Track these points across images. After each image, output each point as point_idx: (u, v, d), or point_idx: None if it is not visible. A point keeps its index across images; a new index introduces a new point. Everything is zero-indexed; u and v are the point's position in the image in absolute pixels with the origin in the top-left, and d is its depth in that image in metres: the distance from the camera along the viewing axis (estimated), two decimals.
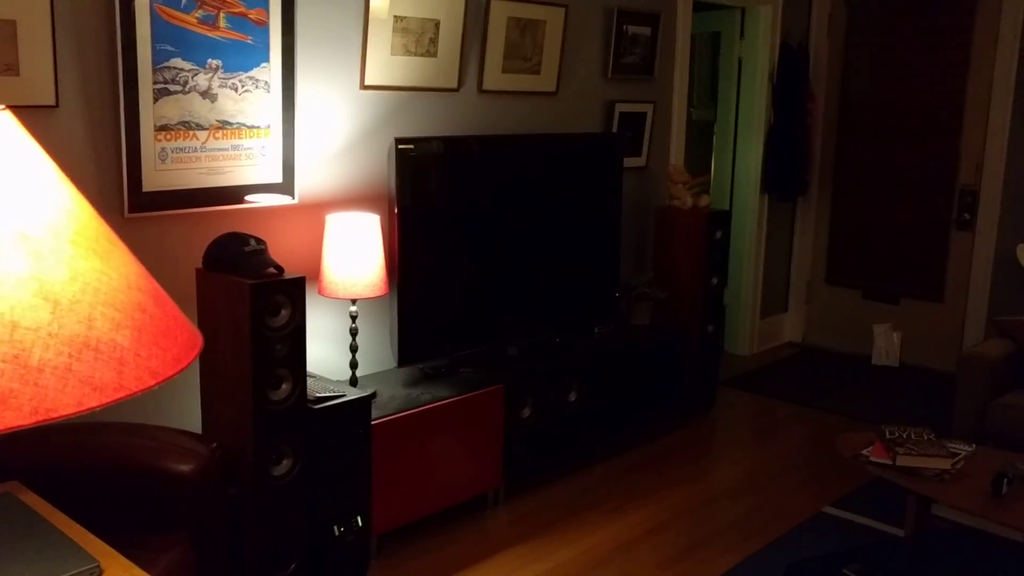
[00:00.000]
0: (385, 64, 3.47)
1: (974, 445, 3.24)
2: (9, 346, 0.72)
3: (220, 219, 3.05)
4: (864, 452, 3.14)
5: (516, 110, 4.06)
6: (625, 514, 3.59)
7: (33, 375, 0.72)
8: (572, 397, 3.87)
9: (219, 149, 3.02)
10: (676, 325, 4.55)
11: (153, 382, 0.80)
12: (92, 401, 0.75)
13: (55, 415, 0.72)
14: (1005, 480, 2.83)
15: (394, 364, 3.51)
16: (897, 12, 5.51)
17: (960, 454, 3.10)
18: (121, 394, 0.77)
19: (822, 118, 5.84)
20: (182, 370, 0.85)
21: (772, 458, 4.20)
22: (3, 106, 0.85)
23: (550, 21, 4.06)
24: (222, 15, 2.96)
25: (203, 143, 2.98)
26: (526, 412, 3.67)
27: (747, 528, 3.50)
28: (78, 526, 1.57)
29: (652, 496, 3.76)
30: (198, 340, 0.93)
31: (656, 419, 4.46)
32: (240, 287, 2.68)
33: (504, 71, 3.94)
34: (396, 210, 3.34)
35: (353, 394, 3.01)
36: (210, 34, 2.94)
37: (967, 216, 5.31)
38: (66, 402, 0.73)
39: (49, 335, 0.74)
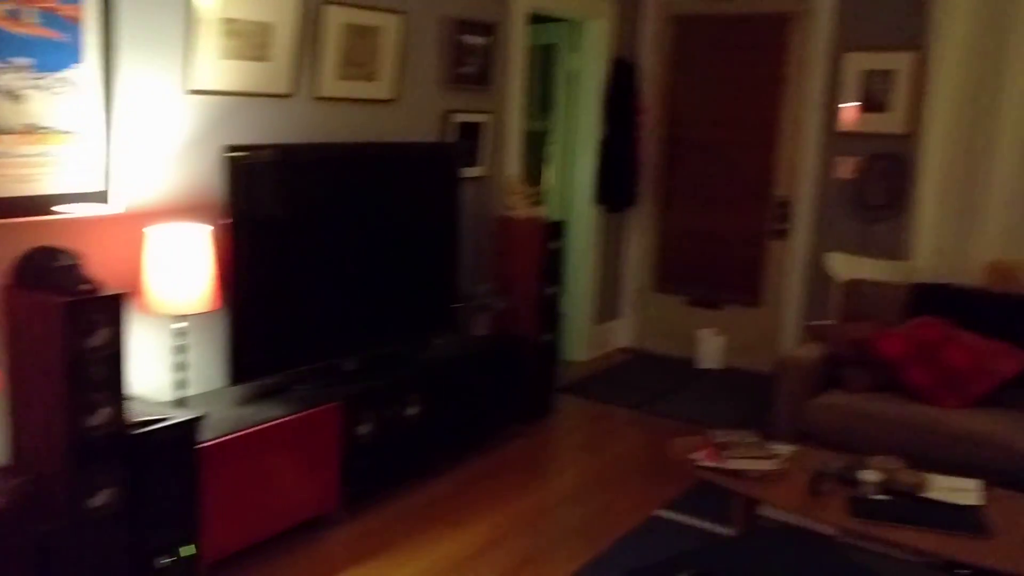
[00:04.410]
0: (214, 67, 3.31)
1: (794, 445, 3.43)
2: None
3: (30, 231, 2.80)
4: (694, 456, 3.26)
5: (354, 118, 3.97)
6: (466, 527, 3.58)
7: None
8: (412, 411, 3.82)
9: (26, 155, 2.78)
10: (514, 334, 4.58)
11: None
12: None
13: None
14: (822, 479, 3.01)
15: (226, 383, 3.35)
16: (719, 32, 5.79)
17: (782, 455, 3.28)
18: None
19: (652, 131, 6.05)
20: None
21: (608, 463, 4.31)
22: None
23: (387, 28, 4.00)
24: (30, 10, 2.72)
25: (7, 148, 2.73)
26: (365, 428, 3.59)
27: (585, 535, 3.57)
28: None
29: (493, 507, 3.77)
30: None
31: (496, 428, 4.48)
32: (51, 305, 2.48)
33: (341, 78, 3.84)
34: (227, 220, 3.19)
35: (180, 416, 2.84)
36: (15, 30, 2.70)
37: (782, 226, 5.65)
38: None
39: None
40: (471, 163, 4.67)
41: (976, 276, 4.73)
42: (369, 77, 4.00)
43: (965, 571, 2.79)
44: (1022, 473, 3.45)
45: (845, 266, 5.13)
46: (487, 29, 4.65)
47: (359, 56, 3.92)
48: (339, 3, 3.75)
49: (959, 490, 3.01)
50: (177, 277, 3.00)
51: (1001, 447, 3.55)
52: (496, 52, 4.75)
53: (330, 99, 3.83)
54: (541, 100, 6.04)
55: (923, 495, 2.97)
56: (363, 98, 4.00)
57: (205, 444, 2.93)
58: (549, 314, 4.72)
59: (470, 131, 4.66)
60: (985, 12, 4.75)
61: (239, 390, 3.41)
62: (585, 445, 4.59)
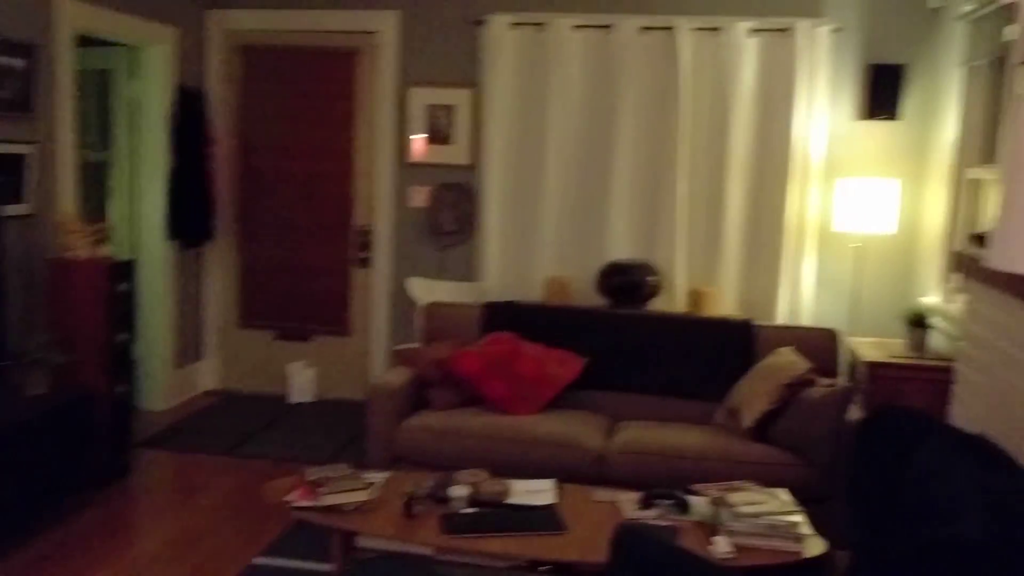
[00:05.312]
0: None
1: (389, 471, 3.48)
2: None
3: None
4: (288, 497, 3.16)
5: None
6: None
7: None
8: None
9: None
10: (80, 390, 4.10)
11: None
12: None
13: None
14: (415, 501, 3.08)
15: None
16: (289, 63, 5.76)
17: (377, 483, 3.30)
18: None
19: (227, 162, 5.83)
20: None
21: (199, 516, 4.03)
22: None
23: None
24: None
25: None
26: None
27: None
28: None
29: None
30: None
31: (64, 498, 3.97)
32: None
33: None
34: None
35: None
36: None
37: (365, 255, 5.77)
38: None
39: None
40: (14, 199, 4.11)
41: (536, 292, 5.24)
42: None
43: (547, 567, 3.03)
44: (584, 467, 3.86)
45: (424, 290, 5.37)
46: (26, 50, 4.13)
47: None
48: None
49: (536, 491, 3.27)
50: None
51: (566, 445, 3.93)
52: (39, 76, 4.24)
53: None
54: (100, 129, 5.53)
55: (507, 501, 3.17)
56: None
57: None
58: (121, 363, 4.30)
59: (11, 164, 4.10)
60: (527, 56, 5.29)
61: None
62: (172, 501, 4.24)
